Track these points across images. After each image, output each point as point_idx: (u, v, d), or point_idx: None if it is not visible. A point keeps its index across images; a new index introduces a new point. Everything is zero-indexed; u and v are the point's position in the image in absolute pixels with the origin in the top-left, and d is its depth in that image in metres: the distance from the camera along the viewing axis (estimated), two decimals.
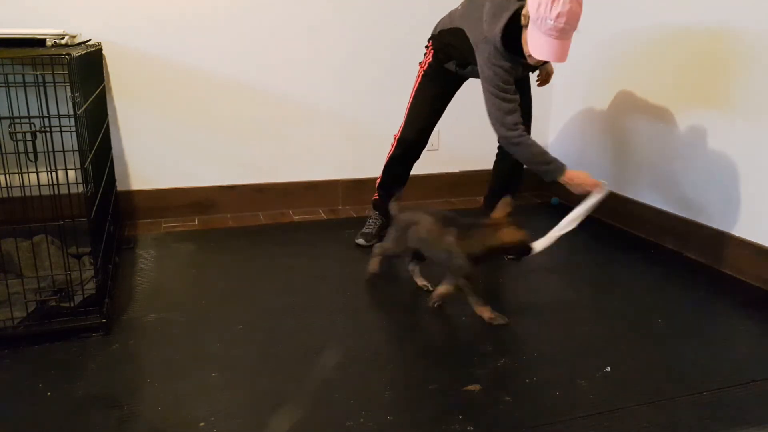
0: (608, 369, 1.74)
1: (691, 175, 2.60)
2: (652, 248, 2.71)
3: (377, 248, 2.28)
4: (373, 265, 2.29)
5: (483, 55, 2.16)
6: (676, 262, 2.56)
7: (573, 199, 3.30)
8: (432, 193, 3.37)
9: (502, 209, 2.02)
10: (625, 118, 2.94)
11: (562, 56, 2.03)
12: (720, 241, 2.47)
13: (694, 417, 1.54)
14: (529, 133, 2.38)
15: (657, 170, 2.77)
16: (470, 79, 2.51)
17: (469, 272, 2.00)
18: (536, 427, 1.49)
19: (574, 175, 2.21)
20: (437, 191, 3.38)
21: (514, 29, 2.08)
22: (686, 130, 2.61)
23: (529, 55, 2.07)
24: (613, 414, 1.54)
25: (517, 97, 2.17)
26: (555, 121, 3.49)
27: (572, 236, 2.86)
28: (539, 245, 2.11)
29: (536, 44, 2.01)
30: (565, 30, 1.97)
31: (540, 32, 1.99)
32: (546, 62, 2.50)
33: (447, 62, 2.42)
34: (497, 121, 2.19)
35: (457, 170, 3.38)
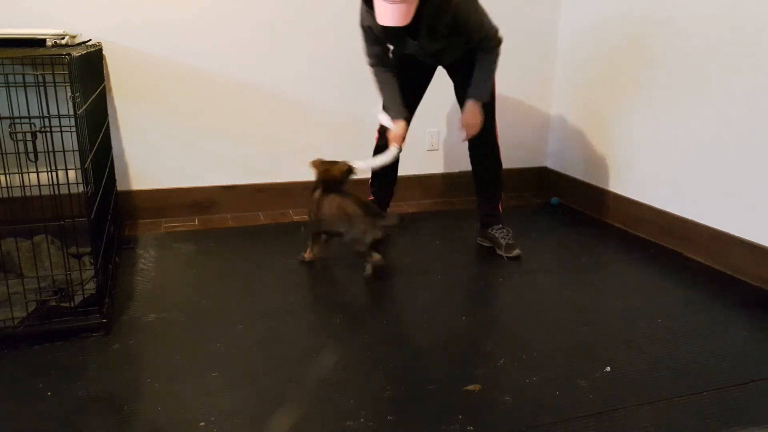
0: (608, 369, 1.74)
1: (691, 175, 2.60)
2: (652, 248, 2.72)
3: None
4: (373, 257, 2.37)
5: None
6: (676, 262, 2.56)
7: (573, 199, 3.32)
8: (432, 193, 3.37)
9: (317, 162, 2.43)
10: (625, 118, 2.94)
11: (400, 19, 2.08)
12: (720, 241, 2.47)
13: (694, 417, 1.54)
14: (477, 148, 2.55)
15: (657, 170, 2.77)
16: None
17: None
18: (536, 427, 1.49)
19: (391, 127, 2.41)
20: (437, 191, 3.38)
21: None
22: (686, 130, 2.61)
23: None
24: (613, 414, 1.54)
25: (378, 50, 2.37)
26: (555, 120, 3.49)
27: (572, 236, 2.87)
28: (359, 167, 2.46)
29: (379, 12, 2.10)
30: None
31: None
32: (469, 100, 2.38)
33: None
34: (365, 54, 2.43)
35: (456, 170, 3.38)
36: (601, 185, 3.12)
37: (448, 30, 2.22)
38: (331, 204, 2.32)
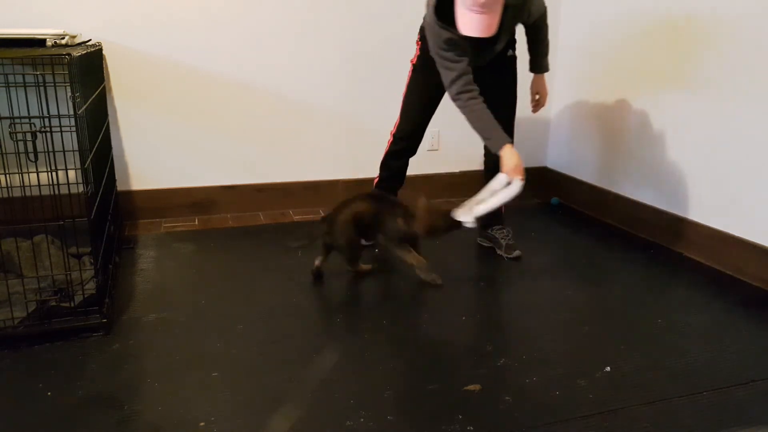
0: (608, 369, 1.74)
1: (692, 175, 2.60)
2: (652, 248, 2.71)
3: (315, 269, 2.34)
4: (362, 268, 2.37)
5: (426, 25, 2.21)
6: (676, 262, 2.56)
7: (573, 199, 3.32)
8: (432, 193, 3.36)
9: (422, 201, 2.23)
10: (624, 118, 2.94)
11: (486, 30, 2.04)
12: (720, 241, 2.47)
13: (694, 417, 1.54)
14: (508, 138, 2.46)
15: (657, 170, 2.77)
16: None
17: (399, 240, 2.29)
18: (536, 427, 1.49)
19: (505, 155, 2.19)
20: (437, 191, 3.37)
21: (450, 5, 2.09)
22: (686, 130, 2.60)
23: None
24: (613, 414, 1.54)
25: (460, 65, 2.16)
26: (555, 120, 3.49)
27: (572, 236, 2.87)
28: (464, 218, 2.20)
29: (461, 20, 2.04)
30: (486, 4, 1.98)
31: (464, 8, 2.01)
32: (539, 75, 2.51)
33: (430, 51, 2.41)
34: (446, 87, 2.25)
35: (457, 170, 3.38)
36: (601, 185, 3.12)
37: (515, 23, 2.23)
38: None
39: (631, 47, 2.87)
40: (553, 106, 3.47)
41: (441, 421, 1.49)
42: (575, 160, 3.33)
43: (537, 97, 2.57)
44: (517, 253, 2.55)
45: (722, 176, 2.45)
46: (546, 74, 2.54)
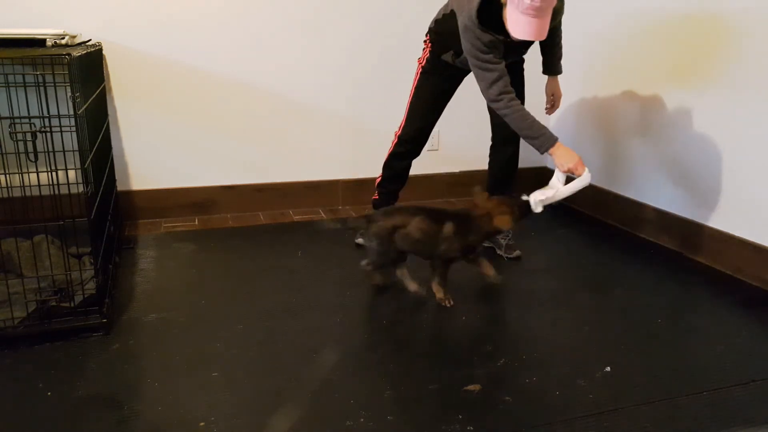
0: (608, 369, 1.74)
1: (692, 175, 2.60)
2: (652, 248, 2.71)
3: (368, 267, 2.21)
4: (376, 279, 2.25)
5: (461, 27, 2.18)
6: (676, 262, 2.56)
7: (573, 199, 3.31)
8: (432, 193, 3.37)
9: (481, 197, 2.13)
10: (625, 118, 2.94)
11: (539, 34, 2.04)
12: (720, 241, 2.47)
13: (694, 417, 1.54)
14: (506, 156, 2.53)
15: (657, 170, 2.77)
16: (469, 77, 2.51)
17: (456, 259, 2.14)
18: (536, 427, 1.49)
19: (559, 153, 2.18)
20: (437, 191, 3.38)
21: (494, 7, 2.09)
22: (686, 130, 2.60)
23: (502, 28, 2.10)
24: (613, 414, 1.54)
25: (500, 66, 2.15)
26: (555, 120, 3.49)
27: (572, 236, 2.87)
28: (535, 203, 2.17)
29: (514, 23, 2.04)
30: (541, 8, 1.98)
31: (518, 11, 2.01)
32: (554, 78, 2.54)
33: (444, 53, 2.40)
34: (483, 92, 2.23)
35: (457, 170, 3.38)
36: (601, 185, 3.12)
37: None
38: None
39: (632, 47, 2.87)
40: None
41: (441, 421, 1.49)
42: None
43: (552, 98, 2.60)
44: (517, 253, 2.55)
45: (723, 176, 2.45)
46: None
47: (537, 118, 2.20)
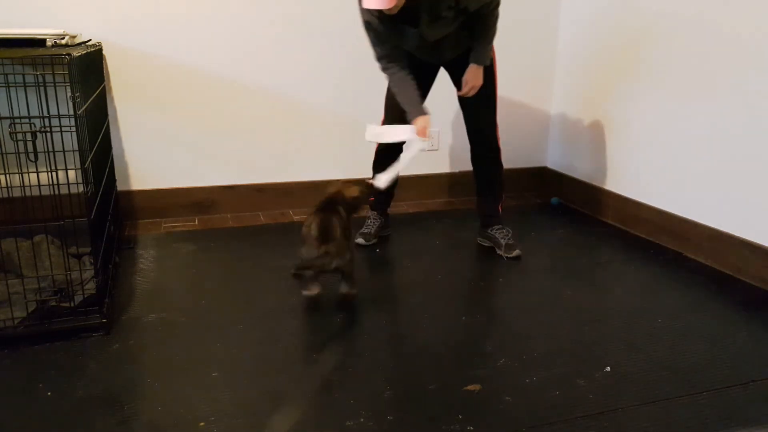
0: (608, 369, 1.74)
1: (691, 175, 2.60)
2: (652, 248, 2.71)
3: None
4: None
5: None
6: (676, 262, 2.56)
7: (573, 199, 3.32)
8: (432, 193, 3.37)
9: (334, 183, 2.26)
10: (625, 117, 2.94)
11: (384, 2, 2.01)
12: (720, 241, 2.47)
13: (694, 417, 1.54)
14: (482, 154, 2.58)
15: (657, 170, 2.77)
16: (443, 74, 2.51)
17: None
18: (536, 427, 1.49)
19: (416, 121, 2.30)
20: (437, 191, 3.38)
21: None
22: (687, 130, 2.60)
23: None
24: (613, 414, 1.54)
25: (381, 50, 2.31)
26: (555, 120, 3.49)
27: (572, 236, 2.87)
28: (381, 182, 2.36)
29: None
30: None
31: None
32: (472, 65, 2.42)
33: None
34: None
35: (457, 170, 3.38)
36: (601, 185, 3.12)
37: (452, 13, 2.19)
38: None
39: (631, 47, 2.87)
40: (553, 106, 3.47)
41: (441, 421, 1.49)
42: (575, 160, 3.33)
43: (465, 85, 2.42)
44: (516, 252, 2.55)
45: (723, 176, 2.45)
46: (482, 67, 2.42)
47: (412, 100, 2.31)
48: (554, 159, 3.52)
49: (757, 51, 2.27)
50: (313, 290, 2.08)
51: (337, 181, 2.30)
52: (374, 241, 2.68)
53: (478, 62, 2.39)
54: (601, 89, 3.09)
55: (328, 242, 1.98)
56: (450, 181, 3.38)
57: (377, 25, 2.23)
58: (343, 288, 2.11)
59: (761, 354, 1.84)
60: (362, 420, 1.50)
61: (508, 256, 2.54)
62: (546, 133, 3.54)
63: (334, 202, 2.15)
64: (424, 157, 3.22)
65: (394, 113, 2.48)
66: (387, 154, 2.57)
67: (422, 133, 2.28)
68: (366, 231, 2.69)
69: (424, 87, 2.51)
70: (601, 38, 3.07)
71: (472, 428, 1.47)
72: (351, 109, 3.13)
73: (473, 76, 2.40)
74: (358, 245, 2.64)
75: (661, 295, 2.24)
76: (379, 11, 2.13)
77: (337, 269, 2.03)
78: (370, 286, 2.28)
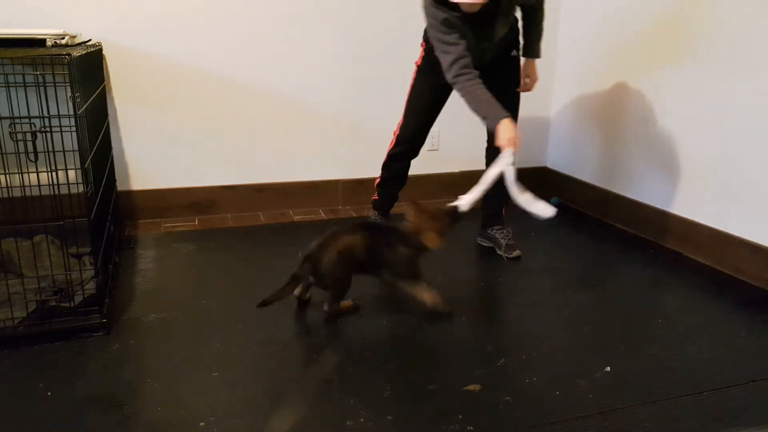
0: (608, 369, 1.74)
1: (692, 175, 2.60)
2: (652, 248, 2.71)
3: (332, 307, 2.02)
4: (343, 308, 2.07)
5: (423, 8, 2.20)
6: (676, 262, 2.56)
7: (573, 199, 3.32)
8: (431, 193, 3.36)
9: (410, 211, 2.03)
10: (625, 117, 2.94)
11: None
12: (720, 241, 2.47)
13: (694, 417, 1.54)
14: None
15: (657, 170, 2.77)
16: None
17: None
18: (536, 427, 1.49)
19: (500, 128, 2.14)
20: (437, 191, 3.37)
21: None
22: (687, 130, 2.60)
23: (456, 4, 2.07)
24: (613, 414, 1.54)
25: (458, 48, 2.14)
26: (555, 120, 3.49)
27: (572, 236, 2.87)
28: (465, 205, 2.12)
29: None
30: None
31: None
32: (530, 60, 2.49)
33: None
34: (444, 72, 2.21)
35: (457, 170, 3.38)
36: (601, 185, 3.12)
37: (514, 8, 2.22)
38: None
39: (631, 46, 2.87)
40: (553, 106, 3.47)
41: (441, 421, 1.49)
42: (575, 160, 3.33)
43: (527, 80, 2.52)
44: (517, 253, 2.55)
45: (722, 176, 2.45)
46: (538, 61, 2.51)
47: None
48: (554, 159, 3.52)
49: (749, 53, 2.26)
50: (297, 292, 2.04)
51: (417, 208, 2.03)
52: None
53: (535, 55, 2.48)
54: (601, 89, 3.09)
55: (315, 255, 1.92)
56: (450, 181, 3.38)
57: (457, 22, 2.14)
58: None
59: (761, 354, 1.84)
60: (362, 420, 1.50)
61: (509, 256, 2.54)
62: (546, 133, 3.53)
63: (398, 238, 1.98)
64: (425, 157, 3.22)
65: (419, 119, 2.49)
66: (400, 158, 2.58)
67: (513, 143, 2.12)
68: None
69: (447, 94, 2.50)
70: (600, 38, 3.07)
71: (472, 428, 1.47)
72: (351, 110, 3.13)
73: (534, 70, 2.51)
74: None
75: (661, 295, 2.25)
76: (461, 10, 2.09)
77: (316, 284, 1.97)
78: (370, 286, 2.28)
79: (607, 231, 2.95)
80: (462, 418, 1.51)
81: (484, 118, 2.20)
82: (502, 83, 2.40)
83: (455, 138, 3.29)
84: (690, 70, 2.56)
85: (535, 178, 3.56)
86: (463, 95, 2.20)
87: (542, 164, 3.58)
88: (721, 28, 2.40)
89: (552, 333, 1.96)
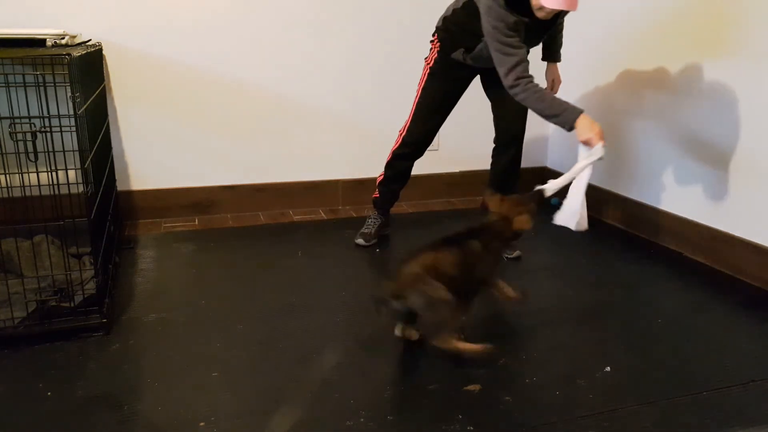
0: (608, 369, 1.74)
1: (692, 175, 2.60)
2: (651, 248, 2.71)
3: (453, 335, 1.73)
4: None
5: (484, 9, 2.13)
6: (676, 262, 2.56)
7: None
8: (432, 193, 3.37)
9: (494, 200, 1.97)
10: (625, 117, 2.94)
11: (573, 3, 2.02)
12: (720, 241, 2.47)
13: (694, 417, 1.54)
14: (509, 157, 2.51)
15: (657, 170, 2.77)
16: (476, 79, 2.51)
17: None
18: (536, 427, 1.49)
19: (580, 124, 2.09)
20: (437, 191, 3.38)
21: None
22: (687, 130, 2.60)
23: (540, 8, 2.05)
24: (613, 414, 1.54)
25: (521, 51, 2.12)
26: None
27: (572, 236, 2.86)
28: (550, 189, 2.09)
29: None
30: None
31: None
32: (554, 64, 2.53)
33: (454, 52, 2.36)
34: (502, 78, 2.17)
35: (457, 170, 3.38)
36: (602, 185, 3.12)
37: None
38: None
39: (630, 47, 2.87)
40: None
41: (441, 421, 1.49)
42: (575, 160, 3.32)
43: (552, 83, 2.64)
44: (517, 253, 2.55)
45: (723, 176, 2.45)
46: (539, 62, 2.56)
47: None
48: (554, 159, 3.52)
49: (747, 54, 2.26)
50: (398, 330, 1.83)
51: (501, 198, 1.96)
52: (374, 241, 2.68)
53: (559, 59, 2.60)
54: (601, 89, 3.09)
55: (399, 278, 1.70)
56: (450, 181, 3.38)
57: (521, 31, 2.12)
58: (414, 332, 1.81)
59: (761, 354, 1.84)
60: (362, 420, 1.50)
61: (509, 256, 2.54)
62: (546, 133, 3.54)
63: (487, 233, 1.86)
64: (425, 157, 3.22)
65: (430, 122, 2.49)
66: (405, 158, 2.58)
67: (602, 135, 2.09)
68: (366, 231, 2.69)
69: (458, 96, 2.51)
70: (600, 37, 3.07)
71: (472, 428, 1.47)
72: (351, 110, 3.13)
73: (558, 74, 2.63)
74: (358, 245, 2.64)
75: (661, 295, 2.24)
76: (531, 16, 2.10)
77: (410, 311, 1.70)
78: (370, 286, 2.28)
79: (607, 231, 2.95)
80: (462, 418, 1.51)
81: (555, 116, 2.13)
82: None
83: (456, 138, 3.28)
84: (690, 70, 2.56)
85: (535, 178, 3.55)
86: (524, 99, 2.15)
87: (542, 164, 3.58)
88: (720, 29, 2.40)
89: (552, 333, 1.96)
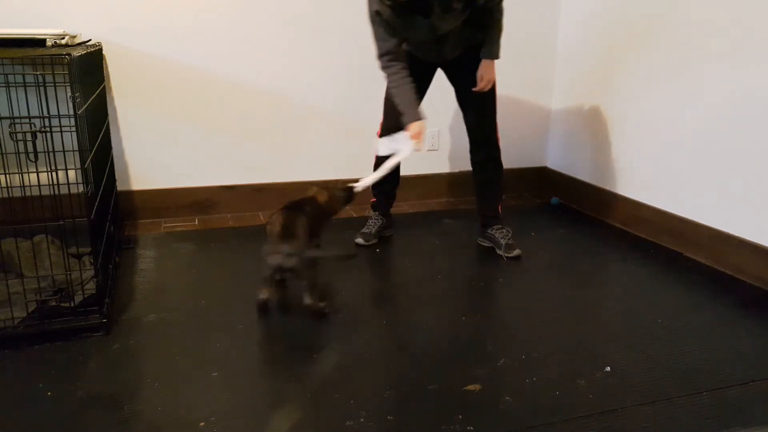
0: (608, 369, 1.74)
1: (692, 175, 2.60)
2: (651, 248, 2.71)
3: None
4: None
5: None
6: (675, 262, 2.56)
7: (573, 199, 3.32)
8: (432, 193, 3.37)
9: (311, 189, 2.26)
10: (625, 118, 2.94)
11: None
12: (720, 241, 2.47)
13: (694, 417, 1.54)
14: (485, 163, 2.55)
15: (657, 170, 2.77)
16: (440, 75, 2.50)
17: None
18: (536, 427, 1.49)
19: (411, 126, 2.27)
20: (437, 191, 3.38)
21: None
22: (687, 130, 2.60)
23: None
24: (613, 414, 1.54)
25: (387, 45, 2.23)
26: (555, 120, 3.49)
27: (572, 236, 2.87)
28: (360, 186, 2.36)
29: None
30: None
31: None
32: (487, 62, 2.44)
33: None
34: (376, 59, 2.30)
35: (457, 170, 3.38)
36: (601, 185, 3.12)
37: (461, 5, 2.18)
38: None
39: (630, 47, 2.87)
40: (553, 106, 3.47)
41: (441, 421, 1.49)
42: (575, 160, 3.33)
43: (480, 81, 2.42)
44: (516, 252, 2.55)
45: (722, 176, 2.45)
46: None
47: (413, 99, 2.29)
48: (554, 159, 3.52)
49: (755, 48, 2.27)
50: (264, 294, 2.00)
51: (315, 186, 2.33)
52: (374, 241, 2.68)
53: (490, 57, 2.40)
54: (601, 89, 3.09)
55: (287, 239, 1.92)
56: (450, 181, 3.38)
57: (388, 15, 2.17)
58: (306, 299, 1.97)
59: (761, 354, 1.84)
60: (362, 420, 1.50)
61: (508, 256, 2.54)
62: (546, 133, 3.54)
63: (303, 204, 2.12)
64: (425, 157, 3.22)
65: (394, 117, 2.47)
66: (385, 181, 2.58)
67: (417, 137, 2.26)
68: (366, 231, 2.69)
69: (421, 89, 2.51)
70: (600, 38, 3.07)
71: (472, 428, 1.47)
72: (350, 110, 3.13)
73: (487, 71, 2.43)
74: (358, 245, 2.64)
75: (661, 295, 2.24)
76: None
77: (292, 269, 1.90)
78: (370, 286, 2.28)
79: (607, 231, 2.95)
80: (462, 418, 1.51)
81: (401, 113, 2.29)
82: (470, 82, 2.42)
83: (455, 138, 3.29)
84: (690, 71, 2.56)
85: (535, 178, 3.56)
86: (388, 88, 2.36)
87: (542, 164, 3.58)
88: (719, 29, 2.40)
89: (552, 333, 1.96)
